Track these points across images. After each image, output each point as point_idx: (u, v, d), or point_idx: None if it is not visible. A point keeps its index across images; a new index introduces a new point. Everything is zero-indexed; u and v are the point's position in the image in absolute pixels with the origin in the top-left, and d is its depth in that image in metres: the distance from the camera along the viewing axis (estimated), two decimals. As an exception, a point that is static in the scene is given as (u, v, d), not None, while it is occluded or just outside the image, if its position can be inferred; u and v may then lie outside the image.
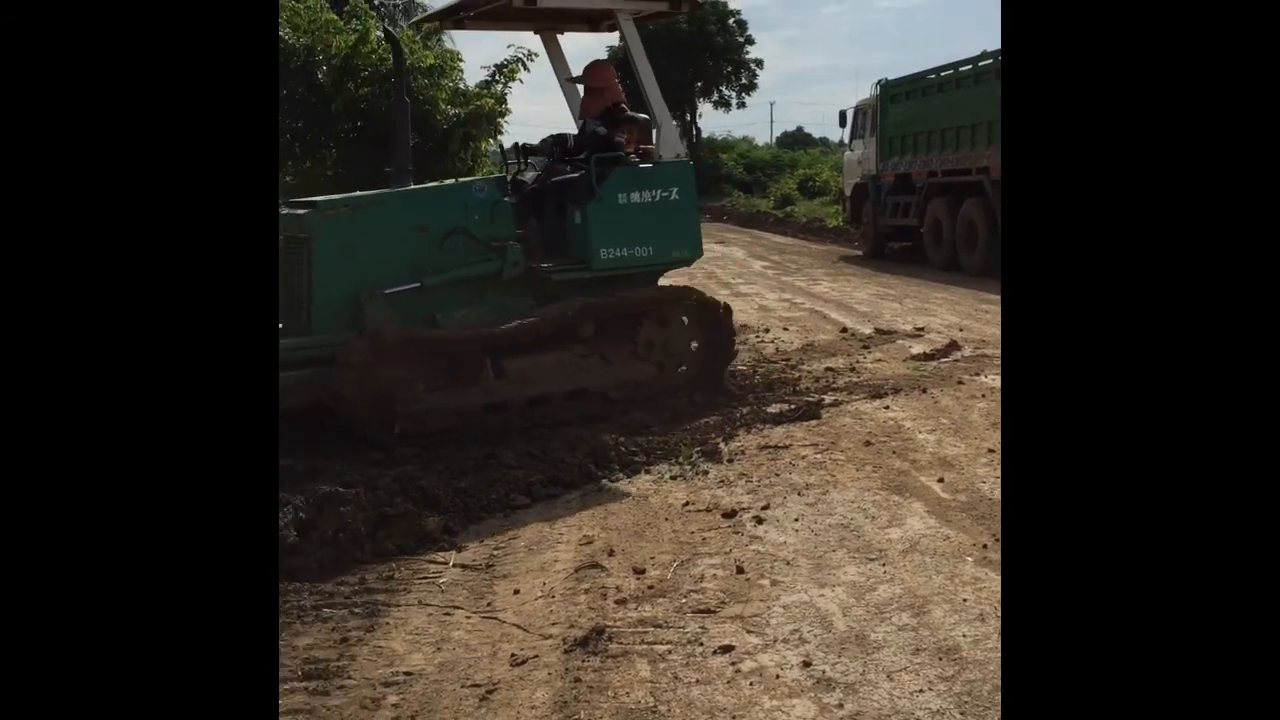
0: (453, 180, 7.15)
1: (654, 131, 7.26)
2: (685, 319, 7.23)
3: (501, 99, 17.04)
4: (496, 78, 17.17)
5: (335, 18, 16.13)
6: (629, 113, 7.47)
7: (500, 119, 17.16)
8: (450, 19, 7.71)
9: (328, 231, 6.27)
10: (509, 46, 17.85)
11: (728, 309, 7.44)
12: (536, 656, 3.57)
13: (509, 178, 7.41)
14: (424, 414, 6.22)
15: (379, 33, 17.22)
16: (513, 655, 3.59)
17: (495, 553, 4.65)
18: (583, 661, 3.50)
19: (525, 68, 17.10)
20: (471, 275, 6.61)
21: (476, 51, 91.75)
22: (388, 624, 3.91)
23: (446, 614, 4.00)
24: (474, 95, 16.87)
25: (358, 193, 7.40)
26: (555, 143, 7.76)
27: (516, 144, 7.94)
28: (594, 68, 7.72)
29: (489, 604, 4.08)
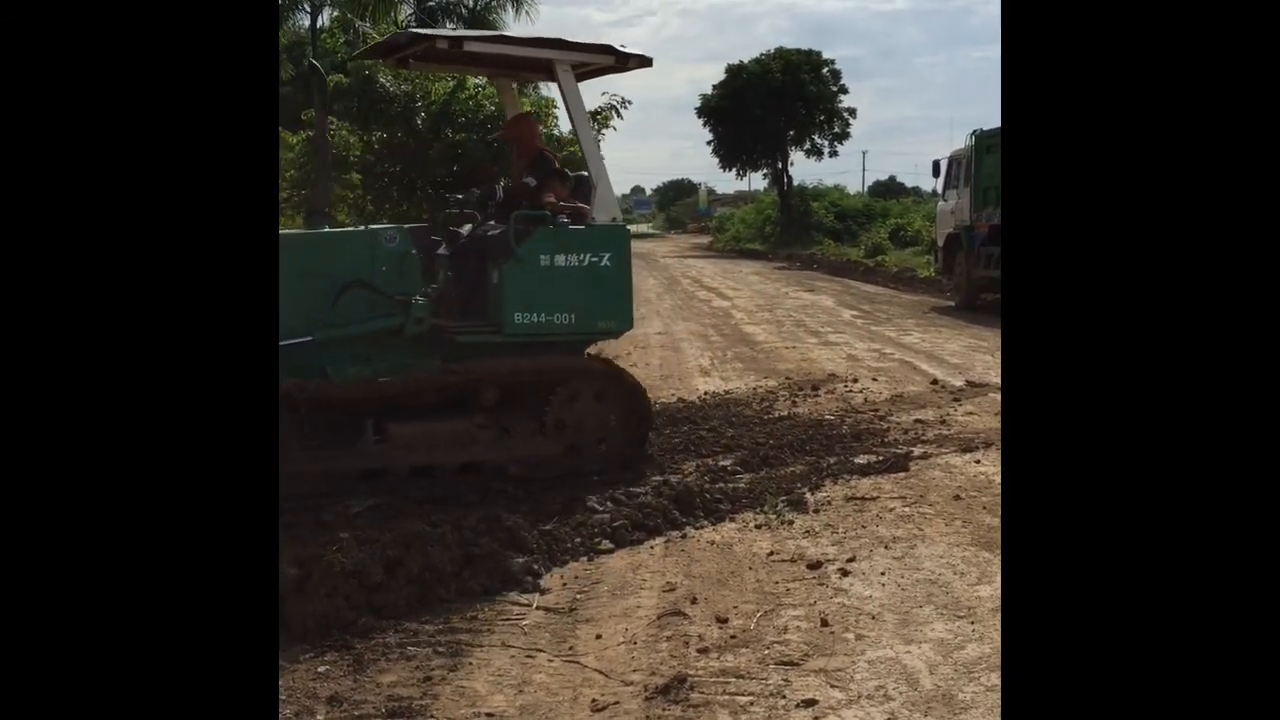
0: (361, 227, 6.71)
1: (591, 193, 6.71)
2: (597, 395, 6.60)
3: (595, 145, 17.26)
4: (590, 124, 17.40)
5: (435, 65, 16.52)
6: (557, 166, 7.05)
7: (593, 165, 17.38)
8: (391, 57, 7.38)
9: None
10: (603, 94, 17.98)
11: (642, 389, 6.86)
12: (618, 703, 3.55)
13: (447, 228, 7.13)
14: (289, 476, 5.50)
15: (477, 81, 17.61)
16: (594, 701, 3.58)
17: (578, 596, 4.65)
18: (664, 710, 3.47)
19: (619, 114, 17.36)
20: (371, 330, 6.15)
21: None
22: (470, 664, 3.93)
23: (529, 656, 4.00)
24: (568, 141, 17.13)
25: None
26: (482, 196, 7.35)
27: (450, 195, 7.55)
28: (511, 120, 7.49)
29: (571, 648, 4.08)
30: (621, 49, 6.68)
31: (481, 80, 18.38)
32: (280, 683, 3.78)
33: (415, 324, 6.10)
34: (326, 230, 6.62)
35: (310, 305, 5.96)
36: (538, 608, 4.51)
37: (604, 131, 17.48)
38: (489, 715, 3.50)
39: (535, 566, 4.91)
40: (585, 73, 7.01)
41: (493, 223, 6.85)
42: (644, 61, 6.87)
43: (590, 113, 17.44)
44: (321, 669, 3.91)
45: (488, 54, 6.72)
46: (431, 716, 3.50)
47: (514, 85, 7.91)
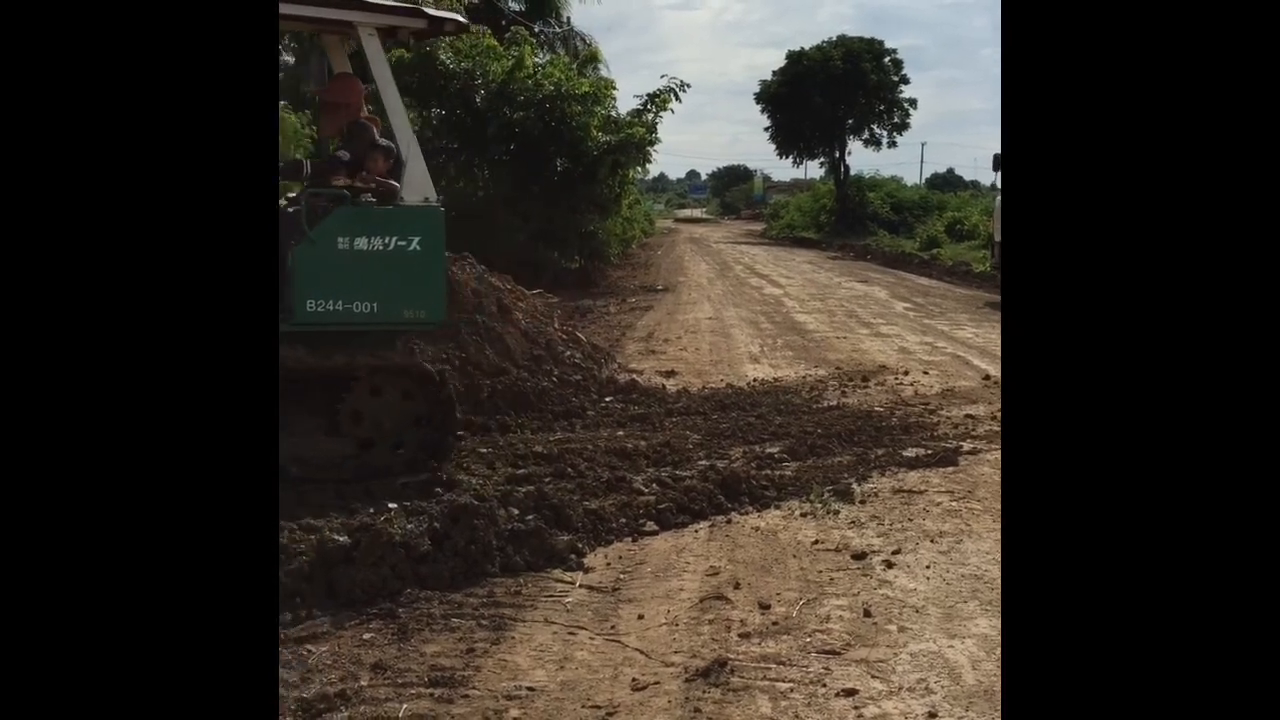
0: None
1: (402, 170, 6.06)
2: (391, 392, 6.03)
3: (652, 128, 17.28)
4: (648, 106, 17.42)
5: (496, 44, 16.59)
6: (377, 137, 6.26)
7: (649, 147, 17.40)
8: None
9: None
10: (662, 76, 17.95)
11: (445, 387, 6.15)
12: (658, 683, 3.57)
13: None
14: None
15: (536, 59, 17.63)
16: (634, 680, 3.60)
17: (621, 576, 4.67)
18: (703, 692, 3.48)
19: (677, 98, 17.33)
20: None
21: (631, 80, 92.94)
22: (513, 638, 3.97)
23: (571, 633, 4.03)
24: (625, 123, 17.12)
25: None
26: (287, 168, 6.63)
27: (300, 161, 6.73)
28: (335, 80, 6.77)
29: (613, 627, 4.10)
30: (433, 12, 6.11)
31: (541, 59, 18.43)
32: (325, 648, 3.85)
33: None
34: None
35: None
36: (581, 585, 4.54)
37: (661, 115, 17.46)
38: (530, 689, 3.53)
39: (579, 545, 4.93)
40: (405, 36, 6.58)
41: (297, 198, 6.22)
42: (460, 26, 6.41)
43: (648, 95, 17.52)
44: (367, 636, 3.96)
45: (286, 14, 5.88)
46: (473, 688, 3.54)
47: (344, 43, 6.98)
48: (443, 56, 15.89)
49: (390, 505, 4.92)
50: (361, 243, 5.79)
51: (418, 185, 5.99)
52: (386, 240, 5.81)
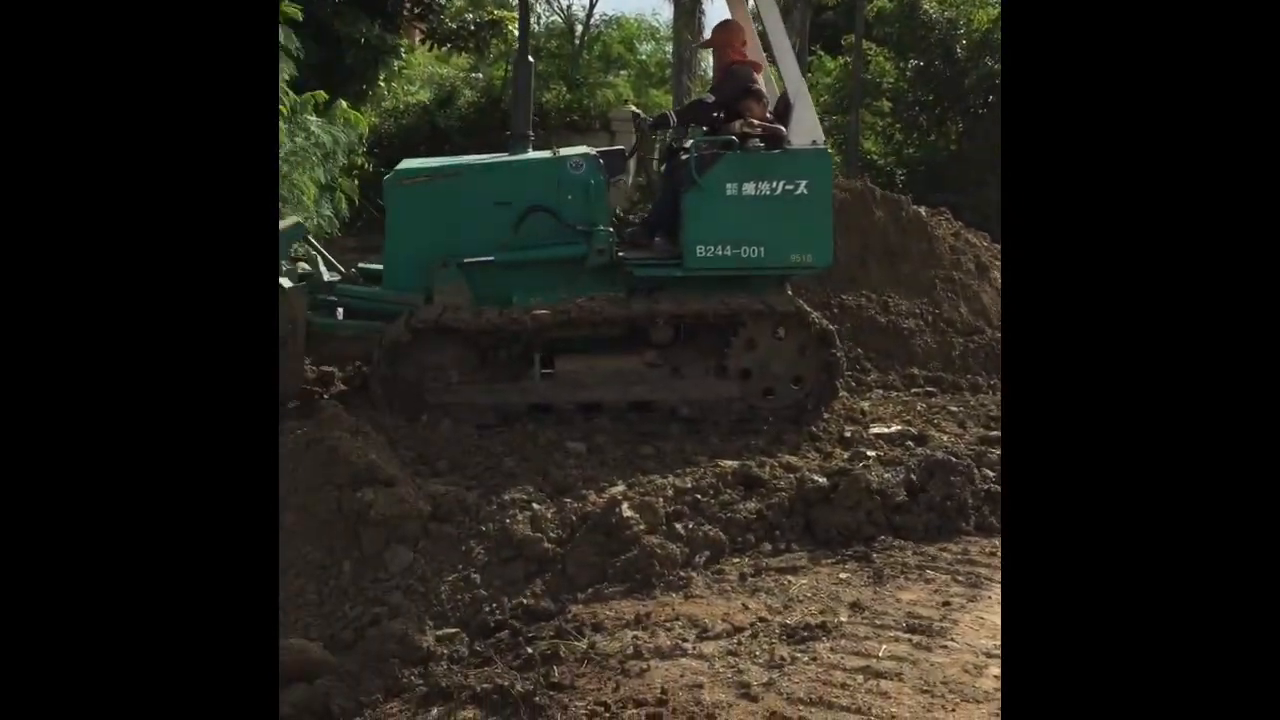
0: (548, 153, 6.44)
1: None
2: (779, 339, 6.04)
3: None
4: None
5: (983, -10, 16.03)
6: (751, 85, 6.24)
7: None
8: None
9: (400, 201, 6.15)
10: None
11: (830, 334, 6.06)
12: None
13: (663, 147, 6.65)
14: (456, 406, 5.72)
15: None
16: (1121, 659, 3.46)
17: (1103, 552, 4.48)
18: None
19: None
20: (552, 258, 6.02)
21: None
22: (990, 599, 3.93)
23: (1050, 602, 3.93)
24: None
25: (442, 160, 6.83)
26: (657, 121, 6.63)
27: (665, 114, 6.64)
28: (718, 25, 6.71)
29: (1095, 602, 3.96)
30: None
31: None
32: (805, 581, 4.03)
33: (596, 255, 5.92)
34: (514, 157, 6.49)
35: (498, 231, 5.99)
36: (1060, 556, 4.40)
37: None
38: (1009, 651, 3.50)
39: (1060, 516, 4.78)
40: None
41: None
42: None
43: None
44: (843, 575, 4.10)
45: None
46: (951, 639, 3.55)
47: None
48: (926, 6, 15.62)
49: (869, 454, 5.02)
50: (749, 188, 5.91)
51: (805, 128, 6.04)
52: (774, 185, 5.91)
